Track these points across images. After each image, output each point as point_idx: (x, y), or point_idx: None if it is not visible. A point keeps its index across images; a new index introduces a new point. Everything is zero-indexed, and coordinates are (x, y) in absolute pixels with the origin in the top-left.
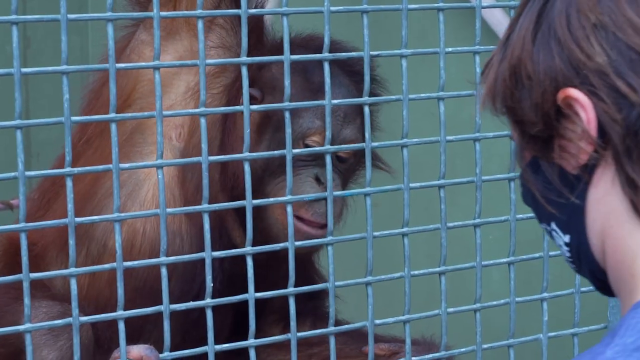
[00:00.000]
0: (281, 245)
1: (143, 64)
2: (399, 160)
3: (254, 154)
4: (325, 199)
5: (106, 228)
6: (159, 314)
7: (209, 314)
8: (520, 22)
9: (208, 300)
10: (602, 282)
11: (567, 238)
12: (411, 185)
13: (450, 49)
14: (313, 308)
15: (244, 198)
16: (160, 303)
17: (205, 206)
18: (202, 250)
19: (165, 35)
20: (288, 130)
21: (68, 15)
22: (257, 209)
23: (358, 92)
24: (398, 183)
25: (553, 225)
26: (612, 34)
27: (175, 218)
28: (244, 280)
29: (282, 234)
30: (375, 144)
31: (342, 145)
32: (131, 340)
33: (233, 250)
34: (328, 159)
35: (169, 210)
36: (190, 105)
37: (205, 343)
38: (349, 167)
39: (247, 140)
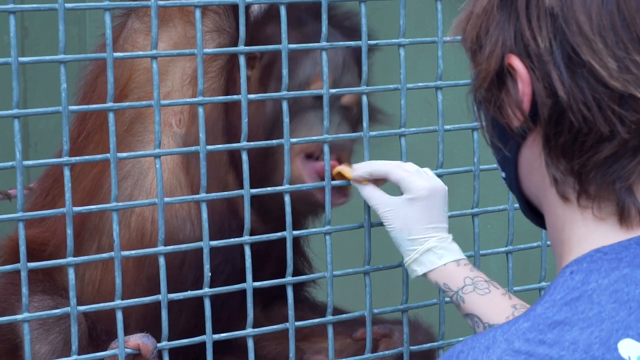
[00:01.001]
0: (278, 234)
1: (141, 53)
2: (397, 150)
3: (252, 143)
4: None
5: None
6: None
7: (207, 303)
8: None
9: (206, 290)
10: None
11: (503, 174)
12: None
13: (448, 38)
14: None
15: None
16: (177, 291)
17: (202, 195)
18: (215, 234)
19: (158, 23)
20: (286, 120)
21: (65, 4)
22: (269, 170)
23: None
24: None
25: (495, 155)
26: (560, 25)
27: (184, 204)
28: (265, 262)
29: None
30: (373, 132)
31: (342, 89)
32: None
33: (230, 240)
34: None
35: (166, 199)
36: (189, 92)
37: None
38: (354, 117)
39: (245, 129)
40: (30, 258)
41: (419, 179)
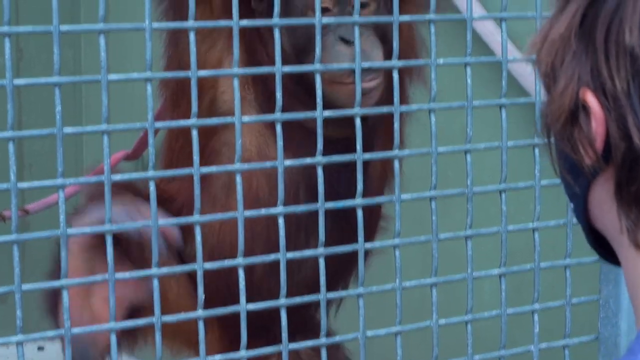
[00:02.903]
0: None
1: (135, 74)
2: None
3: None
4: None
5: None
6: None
7: (201, 326)
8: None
9: (199, 312)
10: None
11: (571, 205)
12: (402, 196)
13: (441, 61)
14: None
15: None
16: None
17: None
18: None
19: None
20: (280, 143)
21: (60, 27)
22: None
23: None
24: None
25: (563, 185)
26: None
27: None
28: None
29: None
30: (367, 155)
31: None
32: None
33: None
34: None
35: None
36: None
37: None
38: (374, 13)
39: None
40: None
41: None
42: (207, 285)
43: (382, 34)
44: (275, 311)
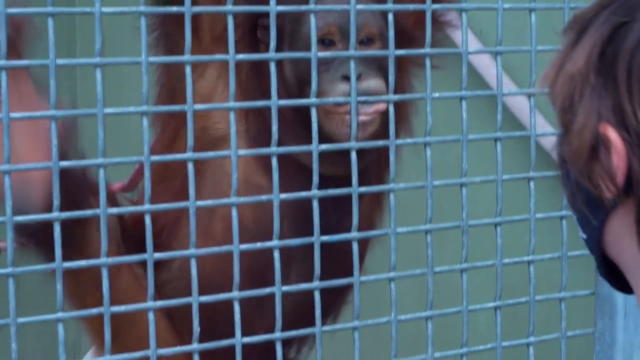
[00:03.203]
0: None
1: (131, 108)
2: (386, 204)
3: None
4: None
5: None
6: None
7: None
8: (590, 34)
9: (194, 346)
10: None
11: (584, 235)
12: (398, 230)
13: (436, 94)
14: None
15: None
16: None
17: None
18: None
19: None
20: (275, 176)
21: (57, 60)
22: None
23: None
24: (385, 227)
25: (575, 219)
26: None
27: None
28: None
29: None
30: (362, 189)
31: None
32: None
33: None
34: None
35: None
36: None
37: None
38: (377, 50)
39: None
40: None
41: None
42: (177, 316)
43: (386, 73)
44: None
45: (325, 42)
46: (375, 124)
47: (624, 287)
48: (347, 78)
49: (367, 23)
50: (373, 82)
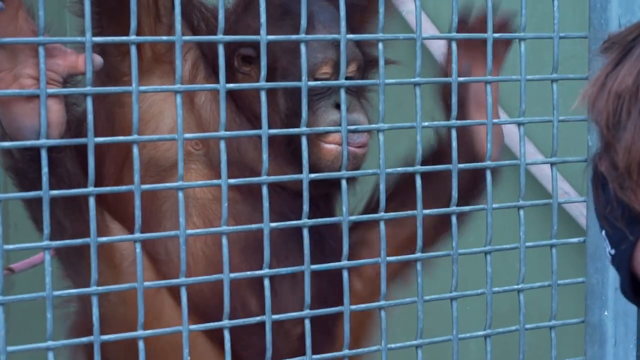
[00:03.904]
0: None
1: (123, 138)
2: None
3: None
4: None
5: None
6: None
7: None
8: (637, 53)
9: None
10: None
11: (612, 251)
12: (388, 258)
13: (426, 124)
14: None
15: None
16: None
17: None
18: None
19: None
20: (266, 205)
21: (47, 89)
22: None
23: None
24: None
25: (603, 233)
26: None
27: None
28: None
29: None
30: (352, 217)
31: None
32: None
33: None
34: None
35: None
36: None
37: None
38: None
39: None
40: None
41: None
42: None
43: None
44: None
45: (318, 79)
46: (365, 157)
47: None
48: (338, 106)
49: (355, 57)
50: (362, 117)
